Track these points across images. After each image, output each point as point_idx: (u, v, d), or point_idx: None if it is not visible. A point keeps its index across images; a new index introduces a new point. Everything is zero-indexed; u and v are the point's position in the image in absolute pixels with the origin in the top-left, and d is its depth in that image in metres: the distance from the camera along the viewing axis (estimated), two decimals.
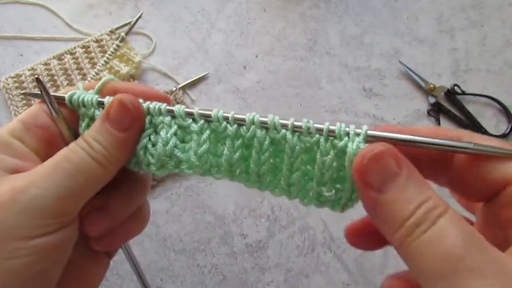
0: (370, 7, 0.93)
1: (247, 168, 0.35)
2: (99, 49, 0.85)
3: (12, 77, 0.82)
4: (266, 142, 0.34)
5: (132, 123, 0.37)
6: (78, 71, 0.83)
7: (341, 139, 0.32)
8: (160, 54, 0.88)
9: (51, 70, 0.83)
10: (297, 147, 0.33)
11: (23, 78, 0.82)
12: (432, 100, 0.81)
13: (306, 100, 0.82)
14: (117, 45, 0.84)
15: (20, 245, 0.31)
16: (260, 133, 0.34)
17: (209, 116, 0.36)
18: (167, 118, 0.37)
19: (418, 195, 0.28)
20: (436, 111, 0.80)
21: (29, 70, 0.83)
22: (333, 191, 0.33)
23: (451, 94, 0.81)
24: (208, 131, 0.36)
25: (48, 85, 0.82)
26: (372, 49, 0.88)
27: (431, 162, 0.34)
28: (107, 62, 0.83)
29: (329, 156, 0.32)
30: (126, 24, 0.89)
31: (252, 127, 0.34)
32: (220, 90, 0.84)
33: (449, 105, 0.81)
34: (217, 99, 0.83)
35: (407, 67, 0.84)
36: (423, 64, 0.86)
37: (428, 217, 0.27)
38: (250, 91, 0.83)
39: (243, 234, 0.71)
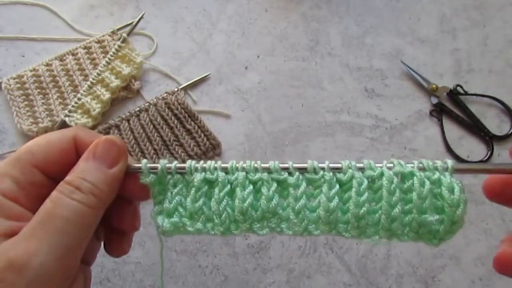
0: (372, 7, 0.93)
1: (344, 216, 0.37)
2: (101, 49, 0.85)
3: (14, 78, 0.82)
4: (365, 183, 0.36)
5: (120, 157, 0.37)
6: (80, 71, 0.84)
7: (432, 172, 0.36)
8: (161, 54, 0.88)
9: (52, 71, 0.83)
10: (395, 180, 0.36)
11: (24, 79, 0.82)
12: (434, 100, 0.81)
13: (308, 100, 0.82)
14: (119, 46, 0.84)
15: None
16: (358, 174, 0.36)
17: (305, 168, 0.38)
18: (265, 175, 0.38)
19: None
20: (439, 111, 0.80)
21: (30, 71, 0.83)
22: (437, 216, 0.35)
23: (454, 94, 0.81)
24: (304, 183, 0.37)
25: (50, 85, 0.82)
26: (374, 50, 0.88)
27: None
28: (108, 63, 0.83)
29: (426, 186, 0.35)
30: (127, 25, 0.89)
31: (350, 171, 0.36)
32: (222, 90, 0.84)
33: (451, 105, 0.81)
34: (218, 100, 0.83)
35: (409, 68, 0.84)
36: (425, 64, 0.86)
37: None
38: (251, 92, 0.83)
39: (244, 235, 0.71)
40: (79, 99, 0.80)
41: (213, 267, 0.69)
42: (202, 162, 0.38)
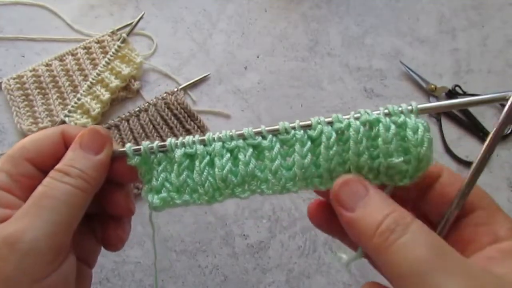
0: (372, 8, 0.93)
1: (318, 170, 0.38)
2: (101, 50, 0.85)
3: (14, 78, 0.82)
4: (333, 136, 0.37)
5: (104, 144, 0.39)
6: (79, 72, 0.84)
7: (398, 116, 0.37)
8: (161, 54, 0.88)
9: (52, 71, 0.83)
10: (361, 129, 0.37)
11: (24, 79, 0.82)
12: (433, 100, 0.81)
13: (307, 100, 0.82)
14: (119, 46, 0.84)
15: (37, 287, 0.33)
16: (327, 128, 0.38)
17: (277, 130, 0.39)
18: (240, 141, 0.39)
19: (385, 208, 0.33)
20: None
21: (30, 71, 0.83)
22: (402, 158, 0.36)
23: (452, 94, 0.81)
24: (278, 144, 0.39)
25: (50, 86, 0.82)
26: (373, 50, 0.88)
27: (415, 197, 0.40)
28: (108, 63, 0.83)
29: (391, 130, 0.36)
30: (127, 25, 0.89)
31: (319, 126, 0.38)
32: (221, 90, 0.84)
33: None
34: (218, 100, 0.83)
35: (408, 68, 0.84)
36: (424, 64, 0.86)
37: (399, 224, 0.31)
38: (251, 92, 0.83)
39: (244, 235, 0.71)
40: (78, 99, 0.80)
41: (212, 267, 0.69)
42: (181, 138, 0.41)
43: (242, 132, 0.39)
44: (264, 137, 0.39)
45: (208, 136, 0.40)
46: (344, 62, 0.87)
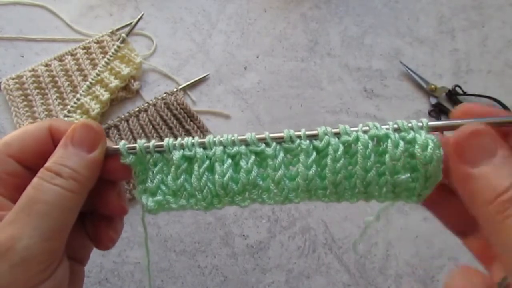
0: (371, 8, 0.93)
1: (323, 182, 0.37)
2: (100, 50, 0.85)
3: (13, 78, 0.82)
4: (341, 149, 0.36)
5: (98, 141, 0.37)
6: (79, 72, 0.84)
7: (407, 132, 0.35)
8: (160, 55, 0.88)
9: (52, 71, 0.83)
10: (370, 144, 0.35)
11: (24, 79, 0.82)
12: (433, 100, 0.81)
13: (307, 101, 0.82)
14: (118, 46, 0.84)
15: None
16: (334, 140, 0.36)
17: (281, 137, 0.37)
18: (242, 148, 0.38)
19: None
20: (438, 111, 0.80)
21: (30, 71, 0.83)
22: (409, 174, 0.35)
23: (452, 94, 0.81)
24: (282, 153, 0.37)
25: (49, 86, 0.82)
26: (373, 50, 0.88)
27: None
28: (108, 63, 0.83)
29: (399, 147, 0.35)
30: (127, 25, 0.89)
31: (326, 137, 0.36)
32: (221, 91, 0.84)
33: (450, 105, 0.81)
34: (217, 100, 0.83)
35: (408, 68, 0.84)
36: (424, 64, 0.86)
37: None
38: (250, 92, 0.83)
39: (244, 235, 0.71)
40: (78, 99, 0.80)
41: (212, 267, 0.69)
42: (179, 139, 0.38)
43: (244, 137, 0.38)
44: (267, 144, 0.37)
45: (208, 139, 0.38)
46: (343, 62, 0.86)
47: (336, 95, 0.83)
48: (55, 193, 0.33)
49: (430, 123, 0.36)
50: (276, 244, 0.71)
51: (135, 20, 0.88)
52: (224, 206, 0.39)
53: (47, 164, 0.35)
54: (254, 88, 0.84)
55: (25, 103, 0.80)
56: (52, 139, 0.38)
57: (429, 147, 0.34)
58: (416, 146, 0.35)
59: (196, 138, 0.39)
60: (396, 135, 0.35)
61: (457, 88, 0.82)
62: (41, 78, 0.82)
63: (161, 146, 0.39)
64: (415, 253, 0.70)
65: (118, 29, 0.88)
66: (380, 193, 0.36)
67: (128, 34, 0.86)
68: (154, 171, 0.39)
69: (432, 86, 0.82)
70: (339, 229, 0.71)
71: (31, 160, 0.37)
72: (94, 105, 0.79)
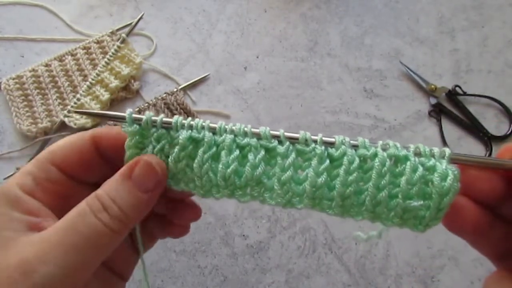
0: (371, 8, 0.93)
1: (330, 193, 0.35)
2: (100, 50, 0.85)
3: (13, 78, 0.82)
4: (356, 161, 0.34)
5: (158, 185, 0.36)
6: (79, 72, 0.84)
7: (428, 159, 0.34)
8: (160, 55, 0.88)
9: (52, 71, 0.83)
10: (387, 163, 0.34)
11: (24, 79, 0.82)
12: (433, 101, 0.81)
13: (307, 101, 0.82)
14: (118, 46, 0.84)
15: None
16: (350, 151, 0.35)
17: (296, 138, 0.36)
18: (253, 140, 0.36)
19: None
20: (437, 112, 0.80)
21: (30, 71, 0.83)
22: (422, 202, 0.34)
23: (452, 95, 0.81)
24: (293, 154, 0.35)
25: (49, 86, 0.82)
26: (373, 50, 0.88)
27: None
28: (108, 63, 0.83)
29: (418, 172, 0.34)
30: (127, 25, 0.89)
31: (343, 146, 0.35)
32: (221, 91, 0.84)
33: (450, 106, 0.81)
34: (217, 100, 0.83)
35: (408, 68, 0.84)
36: (424, 64, 0.86)
37: None
38: (250, 92, 0.83)
39: (244, 235, 0.71)
40: (78, 99, 0.80)
41: (212, 267, 0.69)
42: (189, 119, 0.37)
43: (258, 130, 0.36)
44: (280, 142, 0.36)
45: (220, 124, 0.36)
46: (343, 62, 0.87)
47: (336, 95, 0.83)
48: (95, 227, 0.33)
49: (453, 155, 0.34)
50: (276, 244, 0.71)
51: (135, 20, 0.88)
52: (222, 197, 0.37)
53: (99, 191, 0.35)
54: (254, 88, 0.84)
55: (25, 103, 0.80)
56: (97, 148, 0.38)
57: (449, 178, 0.33)
58: (435, 175, 0.33)
59: (207, 121, 0.37)
60: (416, 159, 0.34)
61: (457, 88, 0.82)
62: (41, 78, 0.82)
63: (169, 123, 0.37)
64: (415, 253, 0.70)
65: (118, 29, 0.88)
66: (388, 216, 0.35)
67: (128, 34, 0.86)
68: (156, 149, 0.37)
69: (432, 86, 0.82)
70: (339, 229, 0.71)
71: (74, 169, 0.38)
72: (94, 105, 0.79)
